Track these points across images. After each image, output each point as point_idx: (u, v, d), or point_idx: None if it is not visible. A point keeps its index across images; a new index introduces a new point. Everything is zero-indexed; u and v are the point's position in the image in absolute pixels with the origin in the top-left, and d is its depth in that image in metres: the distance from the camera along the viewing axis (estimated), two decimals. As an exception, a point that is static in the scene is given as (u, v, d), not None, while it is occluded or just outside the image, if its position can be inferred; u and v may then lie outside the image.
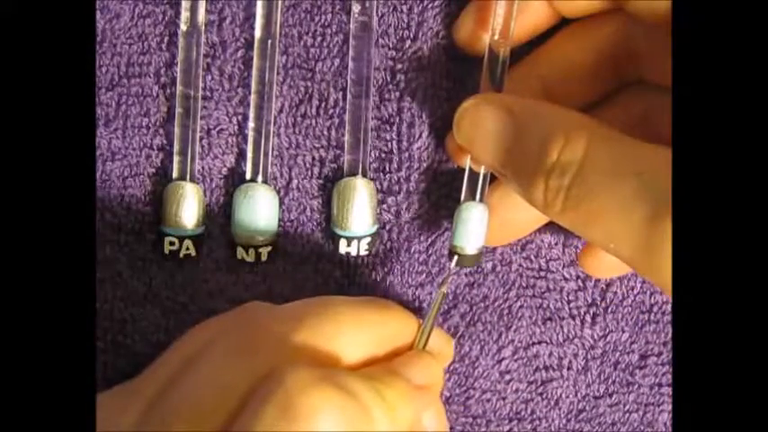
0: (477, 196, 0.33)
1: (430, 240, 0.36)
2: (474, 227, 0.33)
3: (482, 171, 0.33)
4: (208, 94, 0.35)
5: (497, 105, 0.30)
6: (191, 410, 0.29)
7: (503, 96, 0.31)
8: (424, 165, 0.35)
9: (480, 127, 0.30)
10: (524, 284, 0.36)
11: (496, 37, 0.32)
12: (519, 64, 0.33)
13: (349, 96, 0.35)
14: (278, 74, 0.35)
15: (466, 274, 0.36)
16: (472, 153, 0.32)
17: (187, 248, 0.35)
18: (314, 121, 0.35)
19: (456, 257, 0.33)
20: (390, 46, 0.35)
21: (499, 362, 0.37)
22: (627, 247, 0.27)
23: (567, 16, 0.33)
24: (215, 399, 0.29)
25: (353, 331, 0.31)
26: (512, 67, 0.33)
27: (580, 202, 0.27)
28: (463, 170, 0.33)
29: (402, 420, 0.30)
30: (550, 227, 0.36)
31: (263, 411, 0.27)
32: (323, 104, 0.35)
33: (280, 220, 0.36)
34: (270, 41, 0.35)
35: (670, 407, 0.36)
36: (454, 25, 0.34)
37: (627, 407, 0.37)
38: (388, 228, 0.36)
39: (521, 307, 0.36)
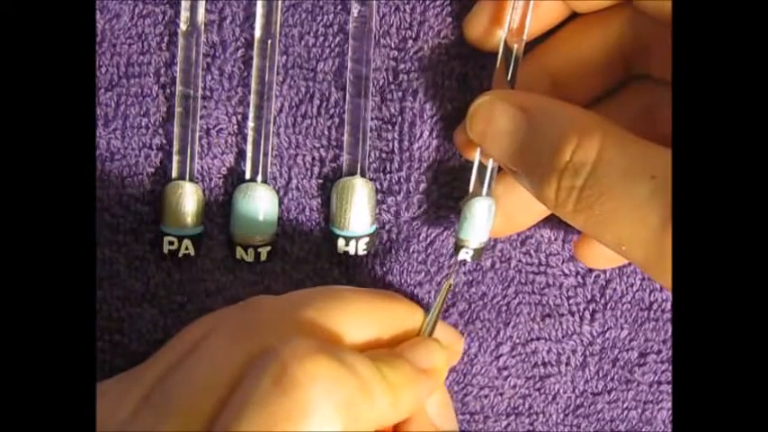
0: (485, 190, 0.33)
1: (429, 240, 0.36)
2: (482, 221, 0.33)
3: (490, 165, 0.32)
4: (207, 93, 0.35)
5: (511, 102, 0.30)
6: (186, 392, 0.28)
7: (517, 93, 0.31)
8: (425, 165, 0.36)
9: (493, 123, 0.30)
10: (523, 281, 0.36)
11: (512, 33, 0.32)
12: (527, 58, 0.33)
13: (348, 96, 0.35)
14: (278, 74, 0.35)
15: (465, 273, 0.36)
16: (484, 149, 0.32)
17: (186, 248, 0.35)
18: (313, 121, 0.35)
19: (462, 251, 0.33)
20: (392, 46, 0.35)
21: (497, 358, 0.37)
22: (639, 251, 0.27)
23: (579, 11, 0.33)
24: (210, 377, 0.28)
25: (359, 316, 0.31)
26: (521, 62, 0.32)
27: (593, 204, 0.27)
28: (465, 168, 0.33)
29: (404, 403, 0.29)
30: (550, 222, 0.36)
31: (257, 382, 0.27)
32: (323, 104, 0.35)
33: (279, 219, 0.36)
34: (270, 41, 0.34)
35: (669, 404, 0.36)
36: (465, 22, 0.34)
37: (625, 404, 0.37)
38: (387, 227, 0.36)
39: (519, 303, 0.36)
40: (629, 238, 0.27)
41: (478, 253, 0.33)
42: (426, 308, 0.34)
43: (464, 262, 0.34)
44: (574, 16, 0.33)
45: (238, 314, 0.32)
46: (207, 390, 0.28)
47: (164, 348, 0.32)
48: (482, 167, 0.33)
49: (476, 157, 0.33)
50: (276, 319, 0.30)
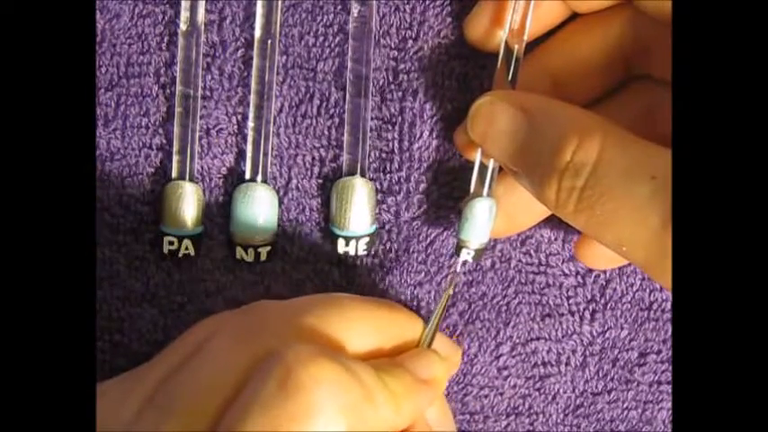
0: (486, 190, 0.33)
1: (429, 240, 0.36)
2: (483, 222, 0.33)
3: (491, 165, 0.32)
4: (207, 93, 0.35)
5: (512, 103, 0.30)
6: (190, 393, 0.29)
7: (518, 94, 0.31)
8: (425, 165, 0.36)
9: (494, 124, 0.30)
10: (523, 281, 0.36)
11: (513, 34, 0.32)
12: (528, 58, 0.33)
13: (348, 96, 0.35)
14: (278, 74, 0.35)
15: (465, 273, 0.36)
16: (485, 149, 0.32)
17: (186, 248, 0.35)
18: (313, 121, 0.35)
19: (463, 251, 0.33)
20: (392, 46, 0.35)
21: (497, 358, 0.37)
22: (640, 251, 0.27)
23: (579, 12, 0.33)
24: (214, 378, 0.29)
25: (360, 324, 0.31)
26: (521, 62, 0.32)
27: (593, 204, 0.27)
28: (465, 168, 0.33)
29: (406, 411, 0.30)
30: (550, 222, 0.36)
31: (262, 386, 0.27)
32: (323, 104, 0.35)
33: (279, 219, 0.36)
34: (270, 41, 0.34)
35: (669, 404, 0.36)
36: (465, 22, 0.34)
37: (625, 404, 0.37)
38: (387, 228, 0.36)
39: (519, 303, 0.36)
40: (629, 238, 0.27)
41: (479, 253, 0.33)
42: (426, 312, 0.34)
43: (465, 263, 0.34)
44: (574, 17, 0.33)
45: (242, 318, 0.32)
46: (211, 391, 0.28)
47: (167, 350, 0.32)
48: (483, 168, 0.33)
49: (476, 157, 0.33)
50: (279, 324, 0.30)
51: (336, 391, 0.27)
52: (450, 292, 0.33)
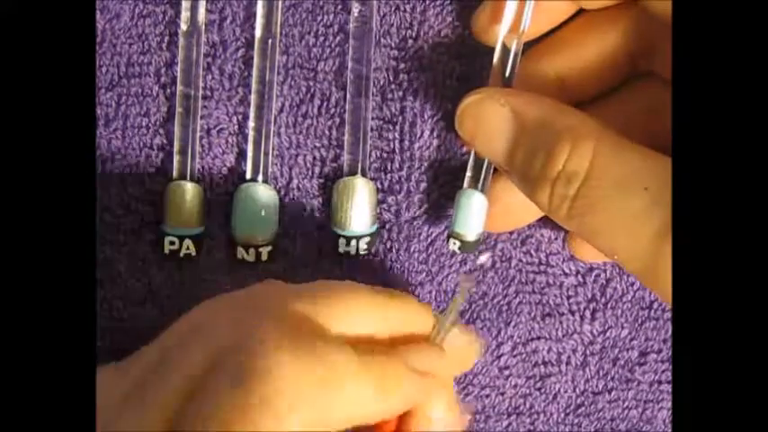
0: (480, 185, 0.33)
1: (430, 240, 0.36)
2: (471, 214, 0.33)
3: (486, 161, 0.32)
4: (208, 93, 0.35)
5: (502, 103, 0.30)
6: (161, 385, 0.28)
7: (508, 93, 0.31)
8: (425, 164, 0.36)
9: (483, 124, 0.30)
10: (524, 280, 0.36)
11: (508, 31, 0.32)
12: (533, 54, 0.33)
13: (349, 96, 0.35)
14: (278, 73, 0.35)
15: (465, 272, 0.36)
16: (474, 148, 0.32)
17: (187, 248, 0.35)
18: (314, 121, 0.35)
19: (450, 241, 0.33)
20: (393, 46, 0.35)
21: (498, 357, 0.37)
22: (633, 261, 0.27)
23: (587, 8, 0.33)
24: (184, 371, 0.27)
25: (360, 311, 0.30)
26: (526, 58, 0.32)
27: (585, 213, 0.27)
28: (465, 168, 0.33)
29: (393, 398, 0.28)
30: (550, 221, 0.36)
31: (221, 373, 0.26)
32: (323, 104, 0.35)
33: (280, 219, 0.36)
34: (270, 41, 0.34)
35: (669, 404, 0.36)
36: (473, 17, 0.33)
37: (626, 403, 0.37)
38: (388, 227, 0.36)
39: (520, 303, 0.36)
40: (622, 248, 0.27)
41: (470, 246, 0.33)
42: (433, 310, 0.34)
43: (481, 266, 0.34)
44: (580, 13, 0.33)
45: (241, 298, 0.31)
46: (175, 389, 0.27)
47: (164, 333, 0.31)
48: (477, 162, 0.33)
49: (471, 151, 0.33)
50: (271, 303, 0.29)
51: (295, 378, 0.26)
52: (462, 300, 0.31)
